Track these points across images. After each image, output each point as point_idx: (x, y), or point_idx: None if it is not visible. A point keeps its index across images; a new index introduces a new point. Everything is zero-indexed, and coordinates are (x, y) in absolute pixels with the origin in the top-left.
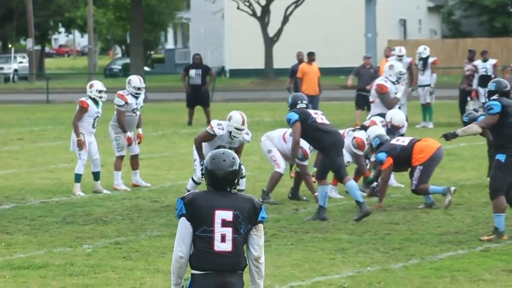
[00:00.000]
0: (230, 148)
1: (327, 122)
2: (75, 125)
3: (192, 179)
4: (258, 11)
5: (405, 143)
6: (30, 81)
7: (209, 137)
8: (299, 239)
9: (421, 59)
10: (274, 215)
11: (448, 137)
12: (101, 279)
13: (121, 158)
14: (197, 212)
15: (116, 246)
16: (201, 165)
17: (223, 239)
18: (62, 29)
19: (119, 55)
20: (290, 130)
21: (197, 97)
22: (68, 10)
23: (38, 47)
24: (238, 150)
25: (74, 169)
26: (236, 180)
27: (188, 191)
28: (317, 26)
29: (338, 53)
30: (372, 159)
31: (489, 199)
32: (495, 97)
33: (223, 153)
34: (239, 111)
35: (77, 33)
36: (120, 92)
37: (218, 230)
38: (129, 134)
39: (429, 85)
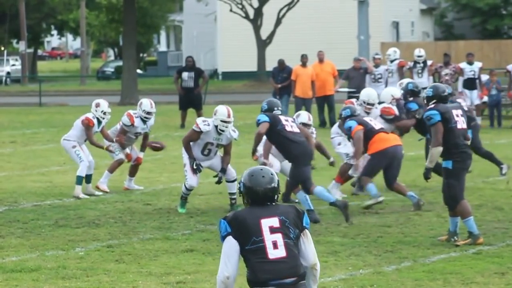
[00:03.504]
0: (218, 145)
1: (296, 131)
2: (94, 144)
3: (185, 186)
4: (251, 13)
5: (375, 126)
6: (23, 83)
7: (196, 135)
8: None
9: (421, 62)
10: None
11: (428, 177)
12: (93, 282)
13: (118, 162)
14: (242, 226)
15: (109, 249)
16: (194, 167)
17: (275, 245)
18: (54, 32)
19: (112, 57)
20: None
21: (190, 100)
22: (60, 13)
23: (30, 50)
24: (227, 149)
25: (67, 172)
26: (276, 196)
27: (185, 194)
28: (310, 29)
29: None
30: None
31: (481, 201)
32: (432, 105)
33: (262, 170)
34: (225, 105)
35: (69, 36)
36: (131, 112)
37: (268, 237)
38: (127, 150)
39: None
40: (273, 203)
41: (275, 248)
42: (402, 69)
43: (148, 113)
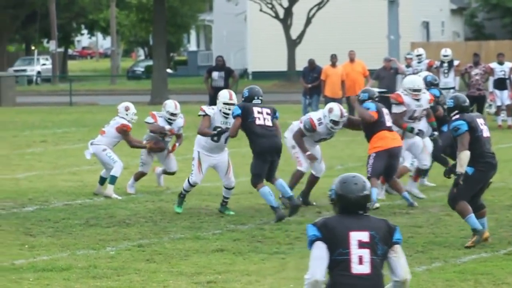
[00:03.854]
0: (227, 129)
1: (268, 124)
2: (136, 146)
3: (188, 181)
4: (281, 13)
5: (386, 122)
6: (53, 83)
7: (206, 121)
8: None
9: (446, 62)
10: (297, 217)
11: (458, 182)
12: (124, 281)
13: (142, 174)
14: (331, 234)
15: (139, 249)
16: (215, 132)
17: (360, 261)
18: (85, 31)
19: (142, 57)
20: (304, 118)
21: None
22: (91, 12)
23: (61, 49)
24: None
25: (98, 171)
26: (369, 204)
27: (185, 190)
28: (340, 28)
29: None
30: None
31: None
32: (457, 116)
33: (354, 177)
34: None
35: (100, 35)
36: (155, 112)
37: (355, 252)
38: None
39: (454, 87)
40: (365, 213)
41: (360, 263)
42: (431, 68)
43: (172, 114)
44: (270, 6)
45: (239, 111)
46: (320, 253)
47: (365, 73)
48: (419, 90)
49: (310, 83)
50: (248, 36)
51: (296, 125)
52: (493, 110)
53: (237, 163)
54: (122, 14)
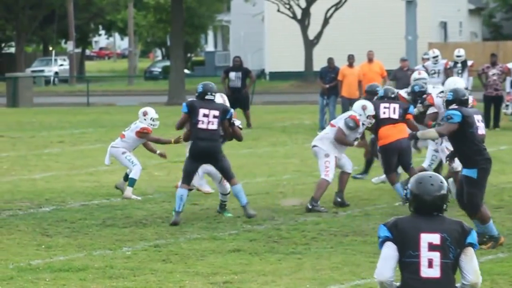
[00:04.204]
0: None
1: (212, 128)
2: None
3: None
4: (298, 13)
5: (390, 116)
6: (71, 83)
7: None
8: (338, 242)
9: (460, 62)
10: (313, 218)
11: (409, 136)
12: (140, 282)
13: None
14: (401, 235)
15: (156, 249)
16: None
17: (430, 264)
18: (102, 32)
19: (159, 57)
20: (339, 120)
21: (237, 100)
22: (108, 13)
23: (78, 50)
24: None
25: (115, 171)
26: (445, 205)
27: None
28: (357, 29)
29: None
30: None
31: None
32: (454, 106)
33: (430, 177)
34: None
35: (117, 36)
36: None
37: (425, 254)
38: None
39: (467, 88)
40: (440, 213)
41: (429, 266)
42: (447, 69)
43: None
44: (287, 6)
45: (186, 110)
46: (388, 253)
47: (383, 74)
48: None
49: (328, 83)
50: (266, 37)
51: (325, 133)
52: (509, 110)
53: (254, 163)
54: (139, 14)
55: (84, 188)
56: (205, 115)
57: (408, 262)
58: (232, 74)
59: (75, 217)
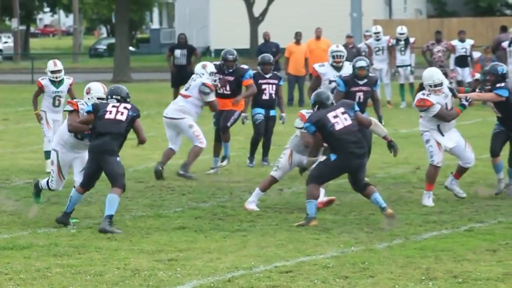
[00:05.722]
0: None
1: (120, 118)
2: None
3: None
4: None
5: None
6: (15, 61)
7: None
8: (283, 219)
9: (402, 40)
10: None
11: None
12: (85, 259)
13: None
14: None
15: None
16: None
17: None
18: (47, 9)
19: (104, 35)
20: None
21: (182, 77)
22: None
23: (23, 27)
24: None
25: None
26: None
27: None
28: (303, 6)
29: (325, 33)
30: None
31: (474, 178)
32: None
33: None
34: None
35: (62, 13)
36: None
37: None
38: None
39: (410, 65)
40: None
41: None
42: (390, 47)
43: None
44: None
45: (90, 108)
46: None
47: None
48: (440, 85)
49: None
50: (211, 14)
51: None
52: (453, 86)
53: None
54: None
55: (29, 165)
56: (113, 106)
57: None
58: (177, 52)
59: (19, 195)
